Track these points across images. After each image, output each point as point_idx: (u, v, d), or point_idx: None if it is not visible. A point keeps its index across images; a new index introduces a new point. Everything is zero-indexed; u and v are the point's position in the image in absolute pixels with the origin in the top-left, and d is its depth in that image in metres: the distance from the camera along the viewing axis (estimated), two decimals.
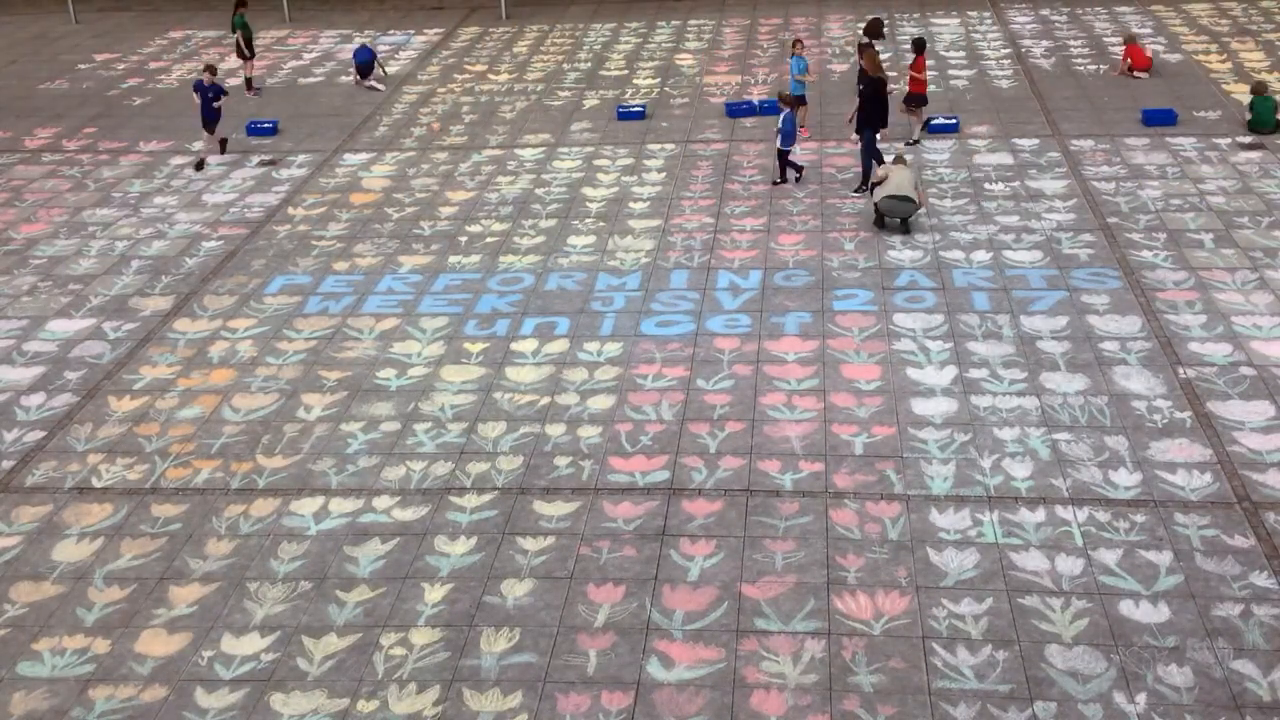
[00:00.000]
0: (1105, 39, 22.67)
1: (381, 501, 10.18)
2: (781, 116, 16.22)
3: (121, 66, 24.43)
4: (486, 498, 10.16)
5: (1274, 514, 9.48)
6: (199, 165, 18.15)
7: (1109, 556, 9.08)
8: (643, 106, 19.72)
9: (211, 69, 18.64)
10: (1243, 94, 18.82)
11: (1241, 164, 16.45)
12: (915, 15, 25.20)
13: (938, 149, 17.55)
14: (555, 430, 11.06)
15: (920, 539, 9.36)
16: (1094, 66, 21.13)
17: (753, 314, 12.99)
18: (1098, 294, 13.08)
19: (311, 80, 22.75)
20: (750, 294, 13.44)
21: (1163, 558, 9.04)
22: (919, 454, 10.42)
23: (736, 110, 19.38)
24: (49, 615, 9.06)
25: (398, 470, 10.60)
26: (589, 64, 22.92)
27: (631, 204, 16.19)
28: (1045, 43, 22.81)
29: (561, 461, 10.59)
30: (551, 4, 27.97)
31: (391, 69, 23.09)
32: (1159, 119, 18.01)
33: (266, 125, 19.73)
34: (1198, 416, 10.77)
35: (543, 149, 18.51)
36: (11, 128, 20.76)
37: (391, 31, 26.18)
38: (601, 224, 15.59)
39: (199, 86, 18.25)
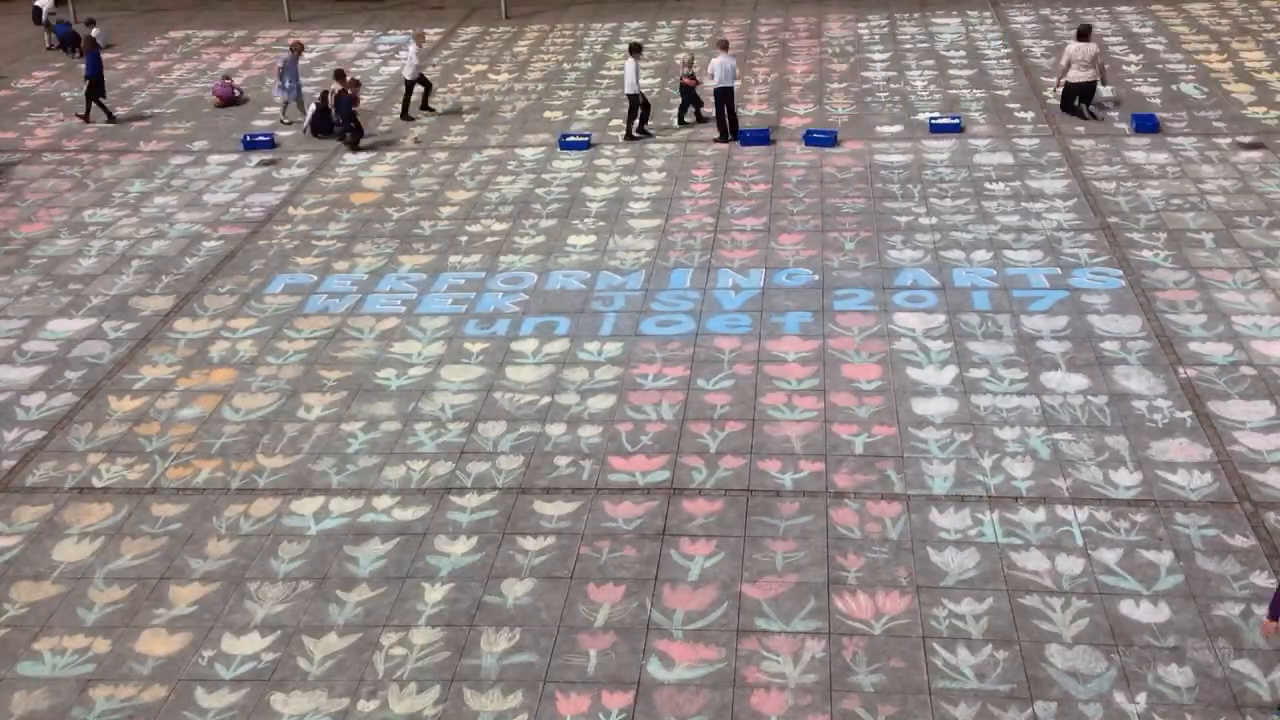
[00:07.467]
0: (1105, 39, 22.65)
1: (382, 501, 10.18)
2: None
3: (121, 66, 24.42)
4: (487, 497, 10.16)
5: (1274, 514, 9.48)
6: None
7: (1109, 556, 9.08)
8: (587, 136, 18.68)
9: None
10: (1243, 94, 18.82)
11: (1241, 164, 16.44)
12: (915, 15, 25.19)
13: (938, 149, 17.55)
14: (555, 430, 11.06)
15: (920, 539, 9.36)
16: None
17: (753, 314, 12.99)
18: (1098, 294, 13.07)
19: (311, 80, 22.72)
20: (750, 294, 13.44)
21: (1163, 557, 9.05)
22: (919, 454, 10.42)
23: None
24: (49, 615, 9.06)
25: (398, 470, 10.60)
26: (589, 64, 22.93)
27: (632, 204, 16.19)
28: (1045, 43, 22.81)
29: (562, 461, 10.59)
30: (551, 4, 27.98)
31: (391, 69, 23.09)
32: (1147, 125, 17.88)
33: (263, 138, 19.63)
34: (1198, 416, 10.77)
35: (543, 149, 18.51)
36: (12, 128, 20.79)
37: (392, 31, 26.17)
38: (602, 224, 15.58)
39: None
